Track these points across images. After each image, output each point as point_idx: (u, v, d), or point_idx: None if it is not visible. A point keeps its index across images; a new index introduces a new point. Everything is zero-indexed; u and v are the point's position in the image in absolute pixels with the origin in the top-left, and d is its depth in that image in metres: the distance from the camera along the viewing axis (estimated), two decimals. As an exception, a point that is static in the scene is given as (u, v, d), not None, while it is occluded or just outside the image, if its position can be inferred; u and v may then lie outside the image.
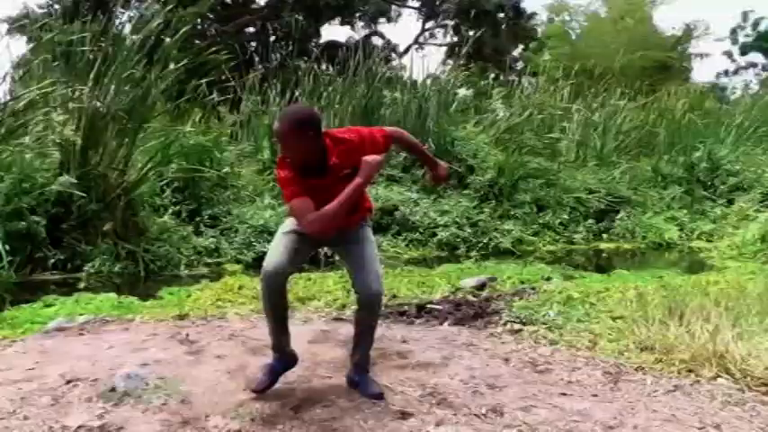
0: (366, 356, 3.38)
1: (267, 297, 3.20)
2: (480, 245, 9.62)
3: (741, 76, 34.81)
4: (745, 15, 34.34)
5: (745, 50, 34.71)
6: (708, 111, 15.89)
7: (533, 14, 25.73)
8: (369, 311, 3.26)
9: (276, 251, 3.19)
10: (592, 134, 13.42)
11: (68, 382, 3.41)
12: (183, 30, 8.90)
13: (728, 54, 35.15)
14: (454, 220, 9.82)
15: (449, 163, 10.84)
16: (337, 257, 6.20)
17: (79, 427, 2.89)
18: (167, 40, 8.78)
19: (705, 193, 12.39)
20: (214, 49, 10.92)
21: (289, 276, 3.26)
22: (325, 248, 3.54)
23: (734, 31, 34.77)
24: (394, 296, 5.72)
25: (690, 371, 3.71)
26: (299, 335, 4.38)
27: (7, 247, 6.72)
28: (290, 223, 3.29)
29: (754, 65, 34.96)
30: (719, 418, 3.12)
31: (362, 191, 3.14)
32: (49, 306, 5.47)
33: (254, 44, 21.05)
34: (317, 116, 3.14)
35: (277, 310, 3.25)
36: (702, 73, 63.82)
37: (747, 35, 34.52)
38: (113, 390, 3.25)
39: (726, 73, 35.03)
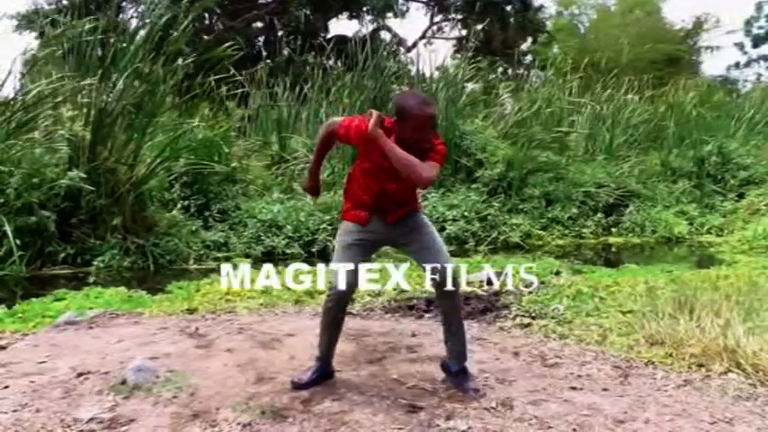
0: (463, 344, 3.39)
1: (334, 313, 3.26)
2: (489, 239, 9.61)
3: (753, 68, 34.53)
4: (759, 6, 33.92)
5: (757, 42, 34.35)
6: (718, 104, 15.79)
7: (541, 7, 25.59)
8: (447, 294, 3.27)
9: (346, 268, 3.20)
10: (600, 128, 13.37)
11: (79, 375, 3.42)
12: (189, 20, 8.89)
13: (740, 46, 34.84)
14: (463, 214, 9.81)
15: (457, 157, 10.93)
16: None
17: (90, 419, 2.90)
18: (174, 34, 8.79)
19: (715, 187, 12.34)
20: (227, 46, 10.90)
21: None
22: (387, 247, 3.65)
23: (748, 23, 34.41)
24: (403, 290, 5.71)
25: (700, 365, 3.69)
26: (309, 329, 4.40)
27: (18, 242, 6.77)
28: (345, 231, 3.30)
29: (766, 57, 34.65)
30: (731, 412, 3.10)
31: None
32: (59, 300, 5.50)
33: (261, 39, 21.04)
34: None
35: (339, 323, 3.32)
36: (713, 66, 63.38)
37: (761, 27, 34.15)
38: (124, 383, 3.26)
39: (737, 65, 34.75)
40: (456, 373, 3.38)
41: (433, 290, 3.38)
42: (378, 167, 3.15)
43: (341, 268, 3.20)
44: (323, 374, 3.35)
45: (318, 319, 3.82)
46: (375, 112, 3.08)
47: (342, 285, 3.17)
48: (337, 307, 3.25)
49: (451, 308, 3.35)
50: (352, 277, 3.20)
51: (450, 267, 3.23)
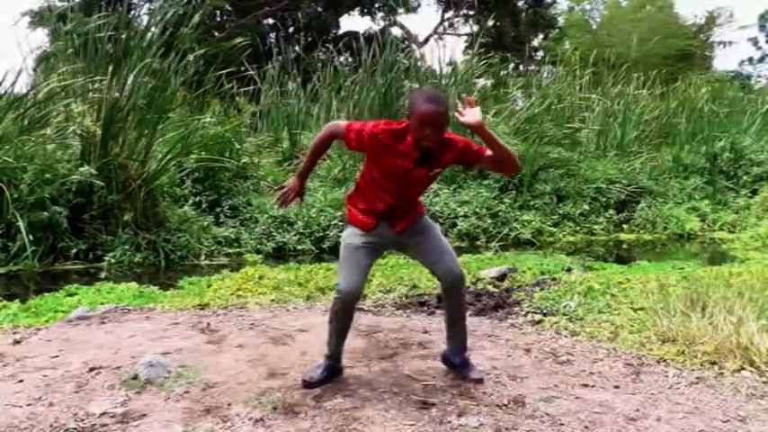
0: (465, 340, 3.45)
1: (341, 314, 3.24)
2: (500, 235, 9.59)
3: (767, 63, 34.23)
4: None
5: (771, 37, 34.06)
6: (731, 100, 15.67)
7: (553, 3, 25.52)
8: (457, 295, 3.33)
9: (351, 271, 3.18)
10: (612, 124, 13.30)
11: (91, 369, 3.44)
12: (199, 16, 8.90)
13: (754, 41, 34.56)
14: (474, 210, 9.80)
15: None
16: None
17: (103, 413, 2.91)
18: (185, 30, 8.81)
19: (727, 183, 12.26)
20: (239, 42, 10.93)
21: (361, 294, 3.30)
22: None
23: (762, 17, 34.10)
24: (414, 287, 5.71)
25: (713, 363, 3.66)
26: (321, 325, 4.39)
27: (30, 237, 6.81)
28: (352, 234, 3.26)
29: (779, 52, 34.34)
30: (744, 411, 3.08)
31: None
32: (71, 295, 5.54)
33: (272, 36, 21.06)
34: None
35: (347, 324, 3.31)
36: (725, 61, 62.91)
37: (776, 21, 33.86)
38: (136, 378, 3.28)
39: (750, 61, 34.48)
40: (459, 364, 3.41)
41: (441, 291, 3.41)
42: (387, 179, 3.14)
43: (346, 268, 3.20)
44: (333, 371, 3.35)
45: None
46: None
47: (349, 289, 3.15)
48: (345, 310, 3.23)
49: (459, 307, 3.38)
50: (359, 281, 3.19)
51: (460, 270, 3.29)
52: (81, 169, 7.37)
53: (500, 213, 9.96)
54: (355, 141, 3.13)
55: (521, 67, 19.60)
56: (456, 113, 3.13)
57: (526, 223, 9.93)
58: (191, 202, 8.50)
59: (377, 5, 22.18)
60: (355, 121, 3.24)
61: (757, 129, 13.95)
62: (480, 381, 3.32)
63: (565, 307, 4.87)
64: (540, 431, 2.83)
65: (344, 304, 3.19)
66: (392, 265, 6.76)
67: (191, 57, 8.97)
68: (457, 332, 3.42)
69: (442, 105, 3.02)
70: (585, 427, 2.87)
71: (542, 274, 6.38)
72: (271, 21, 21.29)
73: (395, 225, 3.24)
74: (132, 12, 9.68)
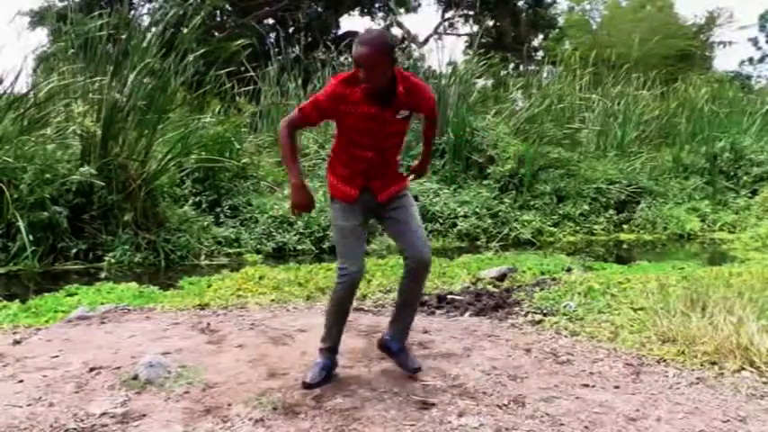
0: (408, 327, 3.47)
1: (345, 299, 3.26)
2: (500, 235, 9.59)
3: (767, 64, 34.28)
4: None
5: (772, 37, 34.10)
6: (731, 100, 15.67)
7: (553, 3, 25.52)
8: (419, 280, 3.35)
9: (354, 253, 3.20)
10: (612, 124, 13.31)
11: (91, 369, 3.44)
12: (199, 17, 8.91)
13: (754, 41, 34.61)
14: (474, 210, 9.80)
15: (468, 154, 10.92)
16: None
17: (103, 414, 2.91)
18: (185, 30, 8.81)
19: (728, 183, 12.26)
20: (239, 42, 10.94)
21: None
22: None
23: (762, 17, 34.14)
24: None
25: (713, 363, 3.66)
26: (320, 325, 4.38)
27: (30, 238, 6.81)
28: (340, 215, 3.25)
29: (779, 52, 34.39)
30: (744, 411, 3.08)
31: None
32: (71, 295, 5.54)
33: (272, 36, 21.07)
34: (395, 42, 3.23)
35: (348, 309, 3.35)
36: (725, 61, 62.97)
37: (776, 21, 33.92)
38: (136, 378, 3.28)
39: (750, 61, 34.53)
40: (397, 351, 3.42)
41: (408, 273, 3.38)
42: (361, 133, 3.13)
43: (345, 249, 3.21)
44: (331, 369, 3.34)
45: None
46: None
47: (355, 270, 3.17)
48: (351, 294, 3.26)
49: (417, 292, 3.43)
50: (362, 260, 3.23)
51: (429, 256, 3.32)
52: (81, 169, 7.37)
53: (500, 213, 9.97)
54: (315, 113, 3.15)
55: (521, 67, 19.61)
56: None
57: (526, 223, 9.93)
58: (191, 202, 8.50)
59: (377, 5, 22.17)
60: (304, 102, 3.24)
61: (757, 129, 13.95)
62: (418, 369, 3.33)
63: (565, 307, 4.87)
64: (540, 431, 2.83)
65: (351, 287, 3.22)
66: (392, 265, 6.76)
67: (191, 57, 8.97)
68: (404, 317, 3.43)
69: (371, 47, 2.95)
70: (585, 427, 2.87)
71: (542, 274, 6.38)
72: (271, 21, 21.29)
73: (377, 195, 3.26)
74: (132, 12, 9.67)
